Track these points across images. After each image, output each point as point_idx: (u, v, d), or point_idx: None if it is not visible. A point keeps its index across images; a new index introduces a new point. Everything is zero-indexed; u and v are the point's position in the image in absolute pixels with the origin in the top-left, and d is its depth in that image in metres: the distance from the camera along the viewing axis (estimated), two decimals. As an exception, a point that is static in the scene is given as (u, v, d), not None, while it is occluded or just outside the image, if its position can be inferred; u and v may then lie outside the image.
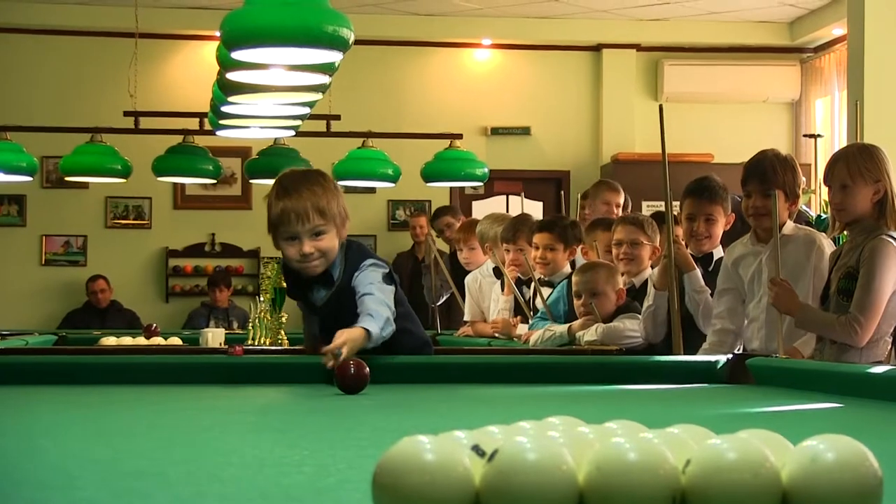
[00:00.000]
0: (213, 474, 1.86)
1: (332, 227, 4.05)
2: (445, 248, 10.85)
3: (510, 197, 12.89)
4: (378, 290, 3.96)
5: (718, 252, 5.77)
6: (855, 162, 4.75)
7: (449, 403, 3.41)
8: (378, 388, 3.62)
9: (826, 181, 4.85)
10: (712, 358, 4.13)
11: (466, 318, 8.07)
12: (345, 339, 3.65)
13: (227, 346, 5.02)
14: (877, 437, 2.59)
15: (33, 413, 3.07)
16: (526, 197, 9.41)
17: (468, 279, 8.11)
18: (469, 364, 4.18)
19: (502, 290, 7.34)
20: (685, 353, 5.16)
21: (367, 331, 3.76)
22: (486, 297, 7.82)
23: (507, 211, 10.04)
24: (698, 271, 5.58)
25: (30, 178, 10.10)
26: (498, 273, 7.78)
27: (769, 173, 5.12)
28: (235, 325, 11.66)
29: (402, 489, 1.24)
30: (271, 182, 10.61)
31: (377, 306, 3.88)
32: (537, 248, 6.67)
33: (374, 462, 1.31)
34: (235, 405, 3.35)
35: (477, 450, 1.29)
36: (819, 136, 11.39)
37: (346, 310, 3.96)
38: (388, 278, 4.06)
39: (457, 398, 3.54)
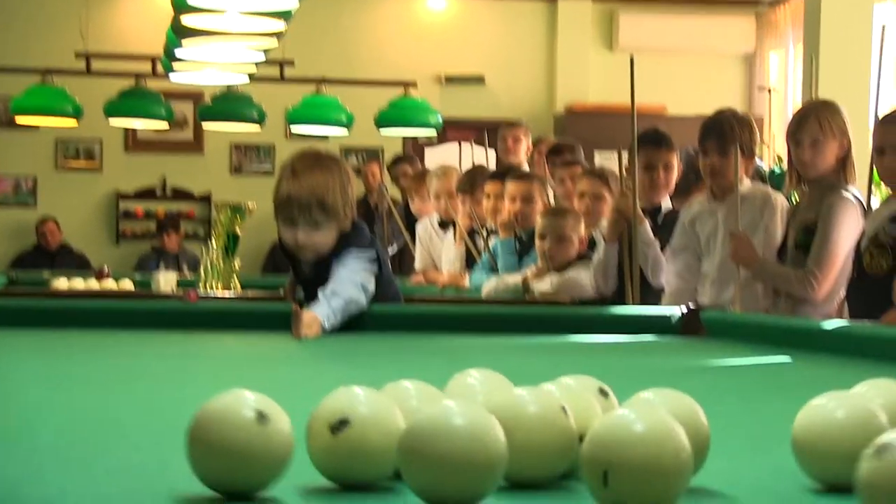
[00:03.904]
0: (171, 423, 1.85)
1: (332, 222, 4.07)
2: (399, 196, 10.83)
3: (462, 144, 12.86)
4: (349, 271, 3.97)
5: (666, 203, 5.80)
6: (825, 117, 4.80)
7: (403, 353, 3.40)
8: (335, 337, 3.63)
9: (793, 136, 4.85)
10: (666, 310, 4.16)
11: (418, 266, 8.08)
12: (309, 323, 3.66)
13: (181, 292, 5.01)
14: (825, 389, 2.61)
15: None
16: (478, 144, 9.39)
17: (419, 228, 8.12)
18: (424, 314, 4.18)
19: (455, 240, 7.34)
20: (637, 305, 5.20)
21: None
22: (437, 246, 7.83)
23: (461, 160, 9.99)
24: (647, 224, 5.60)
25: (-21, 119, 10.02)
26: (443, 225, 7.78)
27: (727, 132, 5.14)
28: (186, 269, 11.61)
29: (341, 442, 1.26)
30: (224, 127, 10.65)
31: (341, 285, 3.88)
32: (513, 199, 6.54)
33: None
34: (190, 351, 3.35)
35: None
36: (773, 89, 11.42)
37: (325, 282, 3.96)
38: (371, 262, 4.06)
39: (414, 348, 3.54)
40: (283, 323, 3.74)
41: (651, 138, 5.72)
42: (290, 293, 4.30)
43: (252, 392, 1.28)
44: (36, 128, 12.51)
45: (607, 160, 10.42)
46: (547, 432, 1.29)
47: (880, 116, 4.72)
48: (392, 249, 9.42)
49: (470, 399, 1.43)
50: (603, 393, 1.45)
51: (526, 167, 8.17)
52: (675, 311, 4.07)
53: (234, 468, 1.22)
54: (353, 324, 3.85)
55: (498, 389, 1.46)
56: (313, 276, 4.12)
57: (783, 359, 3.25)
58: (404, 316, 4.10)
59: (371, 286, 4.00)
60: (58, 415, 1.95)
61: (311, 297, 3.99)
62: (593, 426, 1.17)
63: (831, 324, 3.51)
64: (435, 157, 11.30)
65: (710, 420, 1.39)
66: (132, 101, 9.69)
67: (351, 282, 3.92)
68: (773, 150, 10.43)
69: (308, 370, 2.97)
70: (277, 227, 4.17)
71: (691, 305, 4.16)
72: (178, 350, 3.38)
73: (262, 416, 1.24)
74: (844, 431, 1.30)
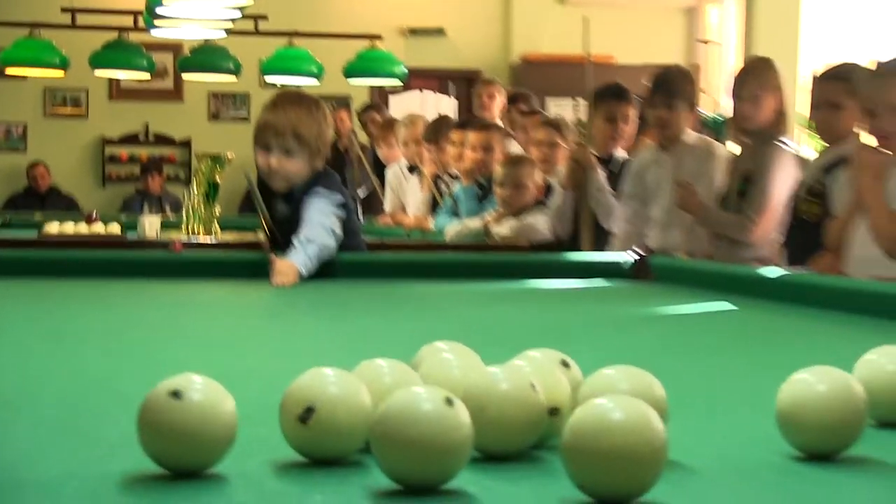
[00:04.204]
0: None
1: (304, 153, 4.06)
2: (367, 142, 10.80)
3: (424, 91, 12.81)
4: (320, 214, 3.94)
5: (621, 153, 5.81)
6: (764, 74, 4.87)
7: (374, 301, 3.38)
8: (310, 285, 3.62)
9: (735, 93, 4.91)
10: (619, 257, 4.16)
11: (387, 208, 8.08)
12: (286, 271, 3.65)
13: (167, 241, 4.97)
14: (772, 341, 2.63)
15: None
16: (441, 93, 9.36)
17: (389, 174, 8.12)
18: (391, 262, 4.17)
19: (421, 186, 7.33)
20: (591, 249, 5.23)
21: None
22: (407, 190, 7.82)
23: (424, 107, 9.97)
24: (600, 170, 5.60)
25: (-31, 69, 9.92)
26: (411, 170, 7.77)
27: (673, 87, 5.20)
28: (168, 210, 11.55)
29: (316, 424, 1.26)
30: (203, 77, 10.55)
31: (314, 231, 3.86)
32: (474, 148, 6.52)
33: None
34: (179, 300, 3.32)
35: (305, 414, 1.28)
36: (714, 42, 11.40)
37: (297, 225, 3.94)
38: (338, 207, 4.03)
39: (383, 295, 3.51)
40: (262, 271, 3.73)
41: (614, 91, 5.75)
42: (267, 244, 4.28)
43: (200, 375, 1.25)
44: (24, 78, 12.38)
45: (560, 107, 10.41)
46: (518, 408, 1.29)
47: (816, 73, 4.74)
48: (361, 192, 9.40)
49: (445, 375, 1.42)
50: (565, 364, 1.46)
51: (500, 123, 8.13)
52: (627, 257, 4.08)
53: (181, 451, 1.21)
54: (325, 270, 3.83)
55: (467, 364, 1.46)
56: (288, 216, 4.10)
57: (727, 306, 3.26)
58: (373, 263, 4.08)
59: (339, 231, 3.97)
60: (56, 377, 1.93)
61: (285, 236, 3.97)
62: (571, 417, 1.17)
63: (772, 272, 3.52)
64: (399, 105, 11.23)
65: (662, 378, 1.38)
66: (116, 53, 9.67)
67: (322, 226, 3.89)
68: (710, 97, 10.43)
69: (287, 320, 2.96)
70: (255, 158, 4.14)
71: (640, 251, 4.16)
72: (168, 300, 3.35)
73: (176, 394, 1.21)
74: (825, 403, 1.30)
